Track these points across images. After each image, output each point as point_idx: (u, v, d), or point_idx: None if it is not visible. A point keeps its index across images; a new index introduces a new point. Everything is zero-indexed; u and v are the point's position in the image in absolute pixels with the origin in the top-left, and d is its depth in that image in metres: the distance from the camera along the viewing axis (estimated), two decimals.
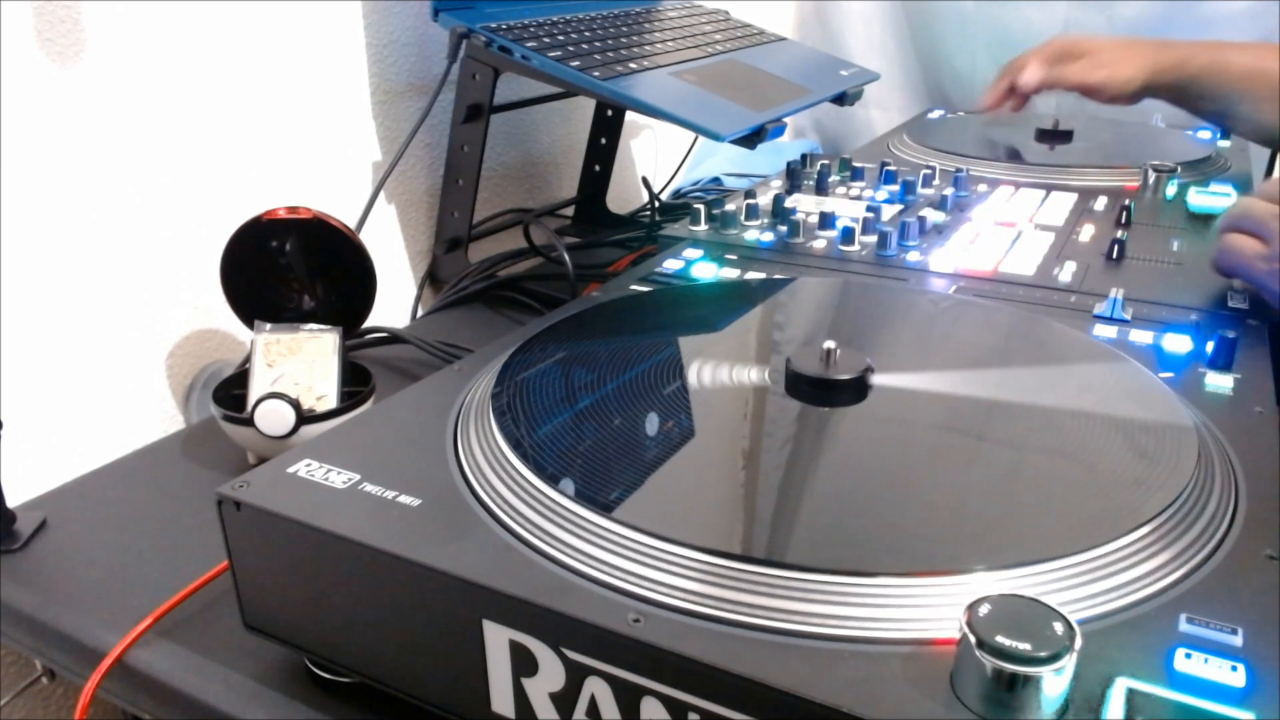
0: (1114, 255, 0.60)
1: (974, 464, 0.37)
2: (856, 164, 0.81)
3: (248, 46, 0.67)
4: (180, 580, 0.42)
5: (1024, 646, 0.24)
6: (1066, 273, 0.58)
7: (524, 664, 0.30)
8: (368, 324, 0.64)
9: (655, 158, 1.20)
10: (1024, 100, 0.90)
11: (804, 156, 0.85)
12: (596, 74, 0.67)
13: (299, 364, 0.55)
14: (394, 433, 0.40)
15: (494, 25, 0.72)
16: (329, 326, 0.57)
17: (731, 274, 0.59)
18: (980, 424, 0.40)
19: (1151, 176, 0.76)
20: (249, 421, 0.51)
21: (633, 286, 0.57)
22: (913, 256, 0.62)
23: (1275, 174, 0.80)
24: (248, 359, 0.56)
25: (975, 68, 1.23)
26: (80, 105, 0.58)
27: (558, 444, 0.37)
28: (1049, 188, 0.77)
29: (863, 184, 0.79)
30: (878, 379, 0.42)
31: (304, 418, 0.51)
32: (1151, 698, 0.25)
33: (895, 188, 0.76)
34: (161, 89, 0.62)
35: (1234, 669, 0.26)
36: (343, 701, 0.38)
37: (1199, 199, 0.71)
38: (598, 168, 0.98)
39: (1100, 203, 0.73)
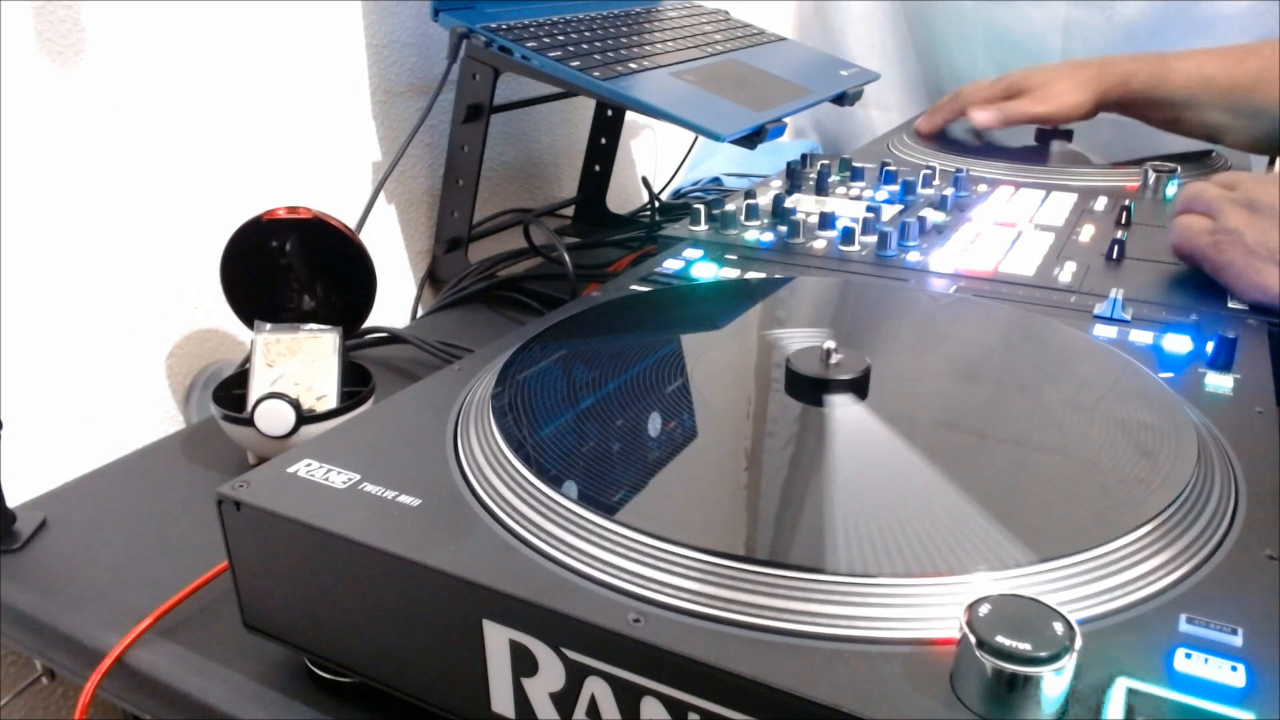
0: (1114, 255, 0.60)
1: (974, 464, 0.37)
2: (856, 164, 0.81)
3: (248, 47, 0.67)
4: (180, 580, 0.42)
5: (1024, 646, 0.24)
6: (1066, 273, 0.58)
7: (524, 664, 0.30)
8: (368, 324, 0.64)
9: (655, 158, 1.20)
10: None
11: (804, 156, 0.85)
12: (596, 74, 0.67)
13: (299, 364, 0.55)
14: (394, 433, 0.40)
15: (494, 25, 0.72)
16: (329, 326, 0.57)
17: (731, 274, 0.59)
18: (980, 423, 0.40)
19: (1151, 176, 0.76)
20: (249, 421, 0.51)
21: (633, 286, 0.57)
22: (913, 257, 0.62)
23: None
24: (248, 359, 0.56)
25: (975, 68, 1.23)
26: (80, 105, 0.58)
27: (558, 444, 0.37)
28: (1049, 188, 0.77)
29: (863, 184, 0.79)
30: (878, 379, 0.42)
31: (304, 418, 0.51)
32: (1151, 698, 0.25)
33: (895, 188, 0.76)
34: (161, 89, 0.62)
35: (1234, 669, 0.26)
36: (343, 701, 0.38)
37: None
38: (598, 168, 0.98)
39: (1100, 203, 0.73)
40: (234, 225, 0.58)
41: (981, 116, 0.88)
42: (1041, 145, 0.91)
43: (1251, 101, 0.79)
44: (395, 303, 0.83)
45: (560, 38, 0.73)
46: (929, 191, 0.76)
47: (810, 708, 0.25)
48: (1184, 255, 0.57)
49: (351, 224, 0.64)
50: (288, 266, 0.61)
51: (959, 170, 0.77)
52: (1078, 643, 0.25)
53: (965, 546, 0.31)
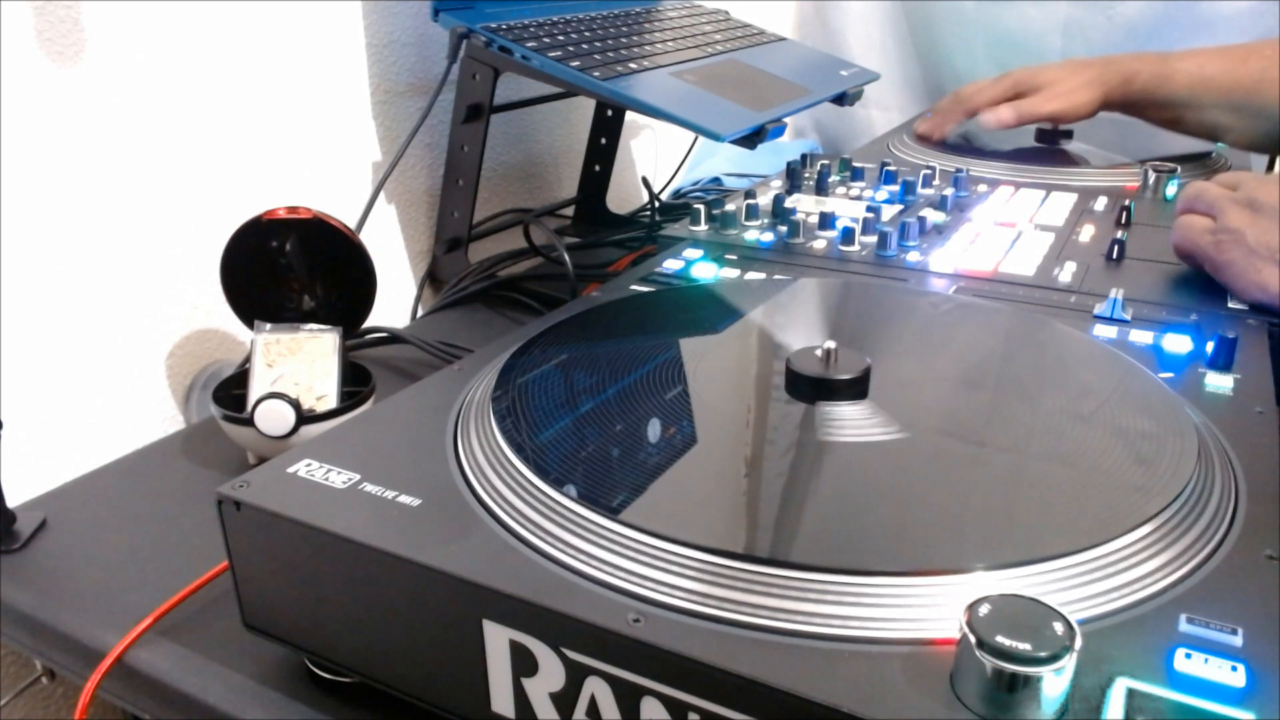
0: (1114, 255, 0.60)
1: (974, 464, 0.37)
2: (856, 164, 0.81)
3: (248, 47, 0.67)
4: (180, 580, 0.42)
5: (1024, 646, 0.24)
6: (1066, 273, 0.58)
7: (524, 664, 0.30)
8: (368, 324, 0.64)
9: (655, 158, 1.20)
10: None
11: (804, 156, 0.85)
12: (596, 74, 0.67)
13: (299, 364, 0.55)
14: (394, 433, 0.40)
15: (494, 25, 0.72)
16: (329, 326, 0.57)
17: (731, 274, 0.59)
18: (980, 424, 0.40)
19: (1151, 176, 0.76)
20: (249, 421, 0.51)
21: (633, 287, 0.57)
22: (913, 257, 0.62)
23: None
24: (248, 359, 0.56)
25: (975, 68, 1.23)
26: (80, 105, 0.58)
27: (558, 443, 0.37)
28: (1049, 188, 0.77)
29: (863, 184, 0.79)
30: (878, 379, 0.42)
31: (304, 418, 0.51)
32: (1151, 698, 0.25)
33: (895, 188, 0.76)
34: (161, 89, 0.62)
35: (1234, 669, 0.26)
36: (343, 701, 0.38)
37: None
38: (598, 168, 0.98)
39: (1100, 203, 0.73)
40: (234, 225, 0.58)
41: (999, 116, 0.86)
42: (1041, 145, 0.91)
43: (1253, 101, 0.80)
44: (395, 303, 0.83)
45: (560, 38, 0.73)
46: (929, 191, 0.76)
47: (810, 708, 0.25)
48: (1185, 255, 0.57)
49: (351, 224, 0.64)
50: (288, 266, 0.61)
51: (959, 170, 0.77)
52: (1078, 643, 0.25)
53: (965, 546, 0.31)
